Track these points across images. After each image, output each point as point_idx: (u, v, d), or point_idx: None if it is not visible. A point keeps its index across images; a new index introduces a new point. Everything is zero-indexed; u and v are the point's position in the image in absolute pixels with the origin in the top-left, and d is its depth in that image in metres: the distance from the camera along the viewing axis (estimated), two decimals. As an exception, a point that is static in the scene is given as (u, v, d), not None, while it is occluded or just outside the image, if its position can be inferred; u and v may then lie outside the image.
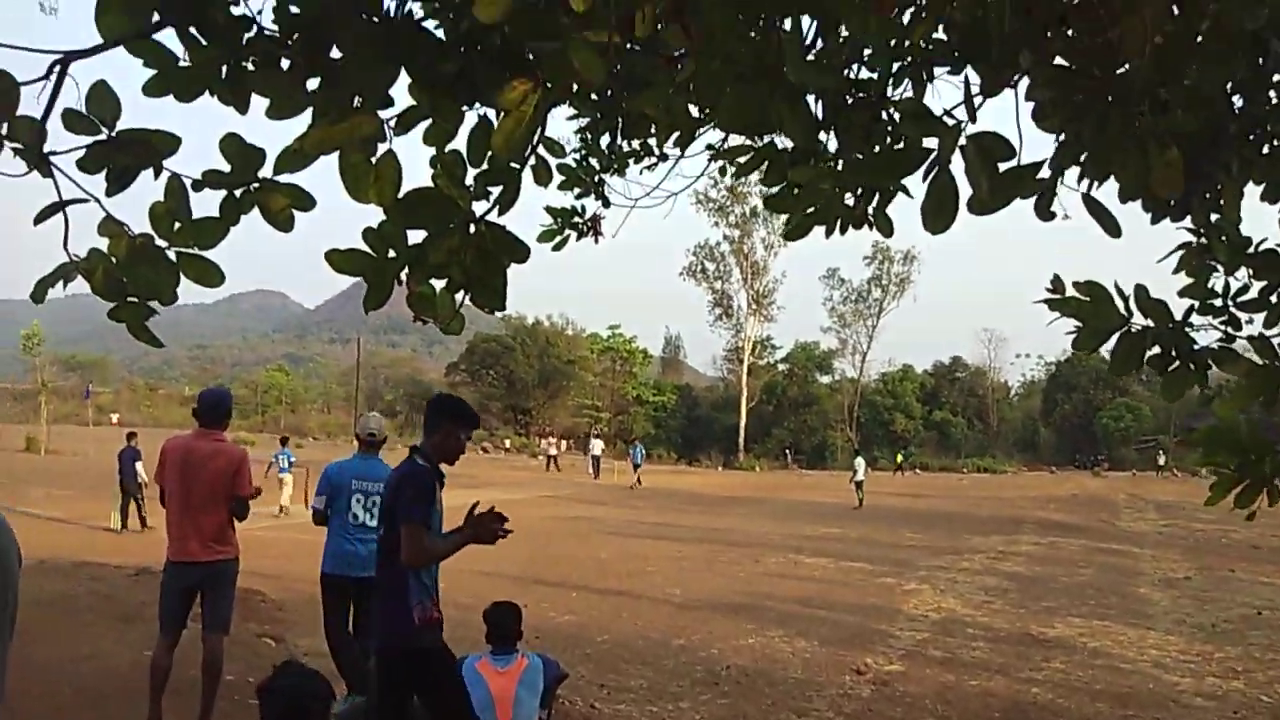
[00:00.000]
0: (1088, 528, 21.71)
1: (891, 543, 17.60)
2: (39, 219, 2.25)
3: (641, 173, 5.35)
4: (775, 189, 3.09)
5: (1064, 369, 65.23)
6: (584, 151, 5.31)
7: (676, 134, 3.33)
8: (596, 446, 40.53)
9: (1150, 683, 7.53)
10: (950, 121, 2.07)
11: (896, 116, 2.92)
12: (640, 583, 11.94)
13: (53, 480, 24.09)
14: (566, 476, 37.79)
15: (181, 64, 2.40)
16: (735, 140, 3.60)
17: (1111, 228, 2.40)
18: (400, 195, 2.48)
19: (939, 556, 15.53)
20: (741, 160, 3.09)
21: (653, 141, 4.93)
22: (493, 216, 2.58)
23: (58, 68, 2.11)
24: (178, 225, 2.43)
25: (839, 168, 2.77)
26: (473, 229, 2.45)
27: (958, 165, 2.09)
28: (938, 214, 2.03)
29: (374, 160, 2.34)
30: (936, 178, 2.02)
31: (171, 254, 2.45)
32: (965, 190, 2.09)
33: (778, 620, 9.55)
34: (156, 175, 2.45)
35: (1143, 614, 10.68)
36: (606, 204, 5.37)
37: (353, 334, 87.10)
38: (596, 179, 5.18)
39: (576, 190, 5.08)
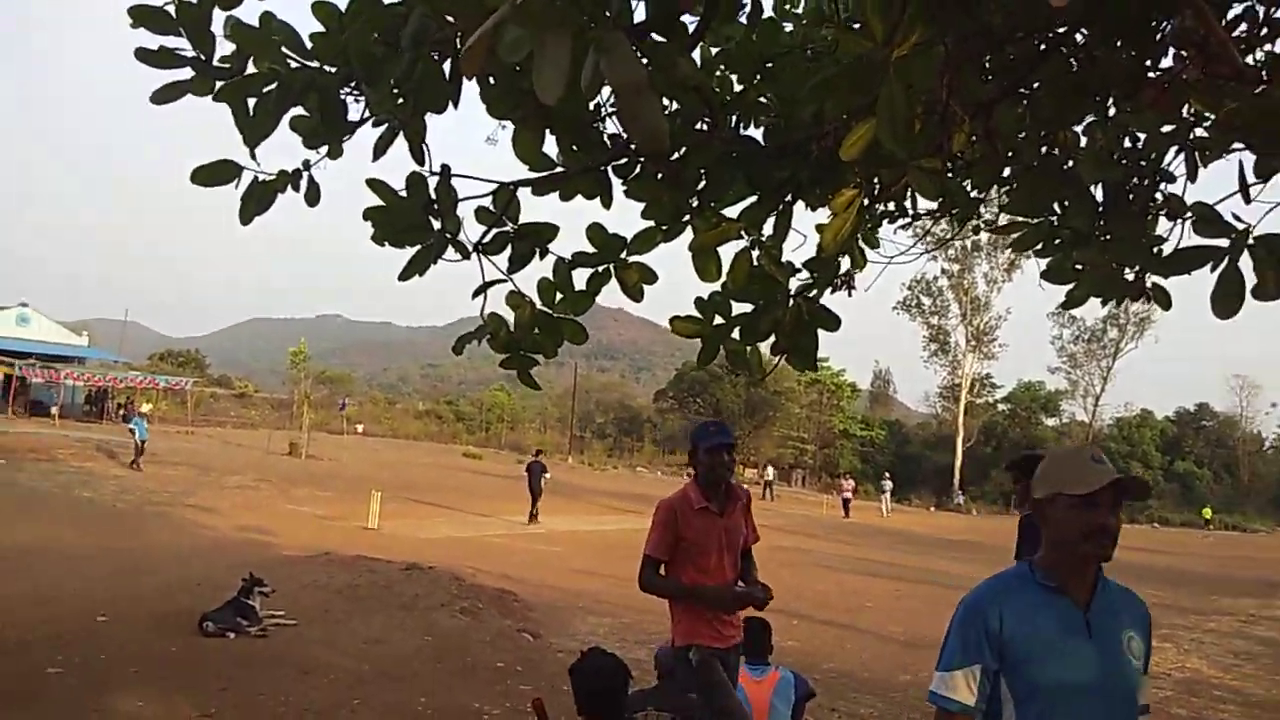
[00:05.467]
0: (1360, 597, 19.50)
1: (1128, 599, 16.60)
2: (475, 294, 2.96)
3: (895, 231, 5.72)
4: (1047, 261, 3.40)
5: (1333, 420, 58.40)
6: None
7: (955, 209, 3.69)
8: (769, 472, 43.87)
9: None
10: (1239, 225, 2.36)
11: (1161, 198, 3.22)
12: (860, 618, 12.07)
13: (314, 482, 26.86)
14: (776, 506, 37.93)
15: (559, 169, 3.07)
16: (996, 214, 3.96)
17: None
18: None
19: (1182, 615, 14.55)
20: (1018, 235, 3.42)
21: (906, 203, 5.31)
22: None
23: (511, 190, 2.77)
24: (560, 296, 3.09)
25: (1117, 245, 3.07)
26: (791, 303, 2.97)
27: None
28: (1227, 303, 2.33)
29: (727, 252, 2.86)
30: (1226, 272, 2.32)
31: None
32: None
33: (1007, 667, 9.44)
34: (542, 257, 3.13)
35: None
36: (857, 264, 5.79)
37: (566, 359, 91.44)
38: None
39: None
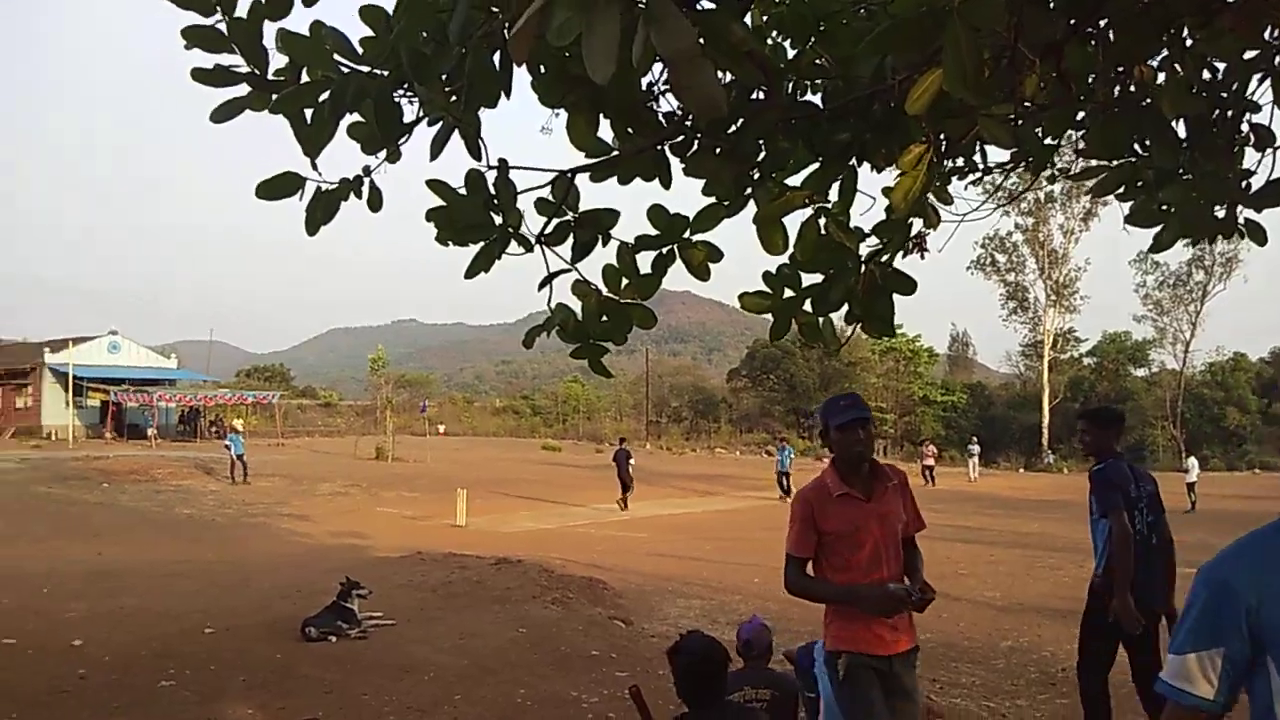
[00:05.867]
0: None
1: (1234, 549, 16.00)
2: (541, 286, 2.95)
3: (966, 188, 5.52)
4: (1130, 204, 3.25)
5: None
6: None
7: (1028, 159, 3.55)
8: None
9: None
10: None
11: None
12: (954, 585, 11.82)
13: (401, 484, 27.49)
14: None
15: (615, 153, 3.03)
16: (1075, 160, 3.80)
17: None
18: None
19: (1295, 565, 13.95)
20: (1097, 180, 3.27)
21: (976, 158, 5.14)
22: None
23: (569, 177, 2.75)
24: (625, 281, 3.06)
25: (1205, 181, 2.91)
26: (863, 269, 2.90)
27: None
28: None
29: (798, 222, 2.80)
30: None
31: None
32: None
33: (1112, 627, 9.17)
34: (605, 244, 3.10)
35: None
36: (930, 223, 5.63)
37: (638, 345, 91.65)
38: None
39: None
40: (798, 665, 5.27)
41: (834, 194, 3.03)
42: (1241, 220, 2.97)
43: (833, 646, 3.67)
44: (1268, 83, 2.96)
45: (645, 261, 3.12)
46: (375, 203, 2.88)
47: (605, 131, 2.96)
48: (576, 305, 3.12)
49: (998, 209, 5.26)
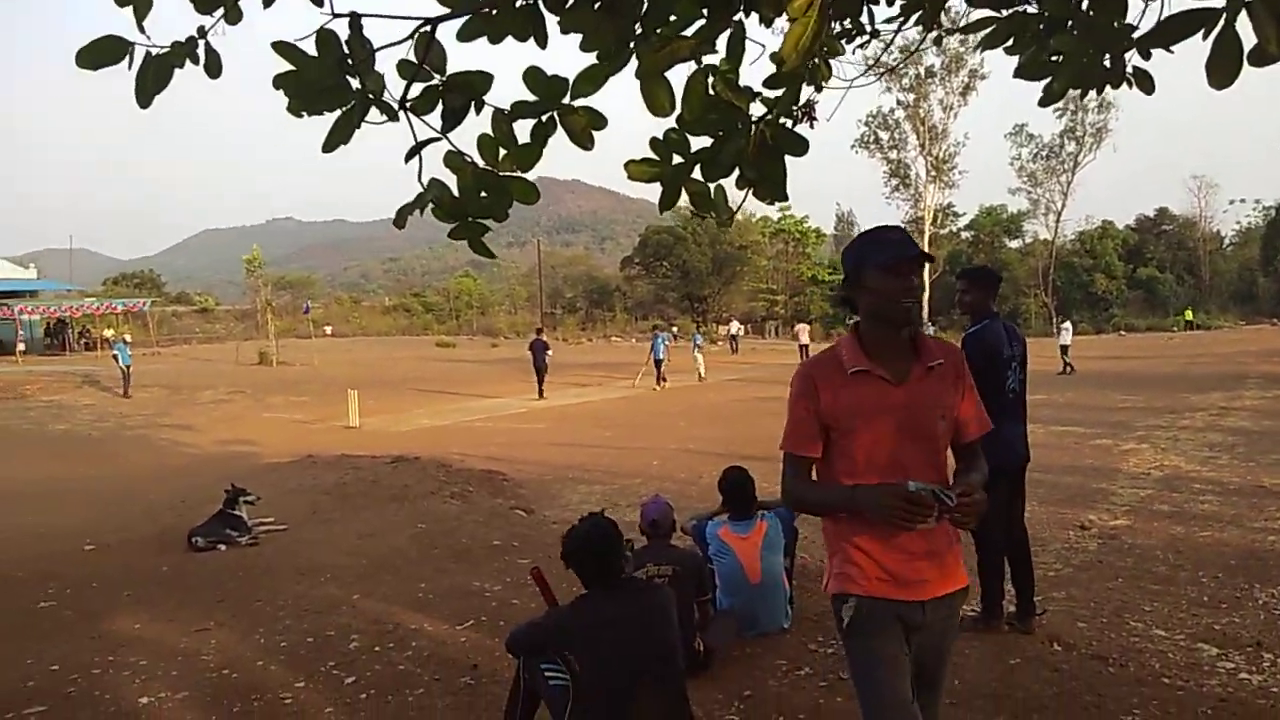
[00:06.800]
0: (1320, 380, 20.19)
1: (1103, 405, 17.04)
2: (408, 157, 2.69)
3: (854, 51, 5.38)
4: (1020, 57, 3.17)
5: (1287, 212, 59.07)
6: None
7: (919, 13, 3.42)
8: (734, 326, 49.31)
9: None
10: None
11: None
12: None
13: (288, 388, 26.68)
14: (745, 359, 38.29)
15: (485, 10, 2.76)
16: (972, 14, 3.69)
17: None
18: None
19: (1156, 416, 14.97)
20: (987, 32, 3.17)
21: (864, 20, 4.99)
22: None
23: (427, 28, 2.48)
24: (503, 153, 2.83)
25: (1096, 29, 2.84)
26: (754, 130, 2.74)
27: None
28: (1224, 70, 2.13)
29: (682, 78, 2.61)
30: (1223, 34, 2.11)
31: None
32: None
33: (992, 485, 9.66)
34: (478, 111, 2.84)
35: (1393, 467, 10.02)
36: (820, 88, 5.47)
37: (529, 237, 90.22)
38: (810, 63, 5.27)
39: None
40: (697, 540, 5.34)
41: (722, 48, 2.84)
42: (1130, 70, 2.92)
43: (836, 587, 2.55)
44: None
45: (523, 130, 2.89)
46: (214, 69, 2.57)
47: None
48: (451, 180, 2.89)
49: (882, 76, 5.15)
